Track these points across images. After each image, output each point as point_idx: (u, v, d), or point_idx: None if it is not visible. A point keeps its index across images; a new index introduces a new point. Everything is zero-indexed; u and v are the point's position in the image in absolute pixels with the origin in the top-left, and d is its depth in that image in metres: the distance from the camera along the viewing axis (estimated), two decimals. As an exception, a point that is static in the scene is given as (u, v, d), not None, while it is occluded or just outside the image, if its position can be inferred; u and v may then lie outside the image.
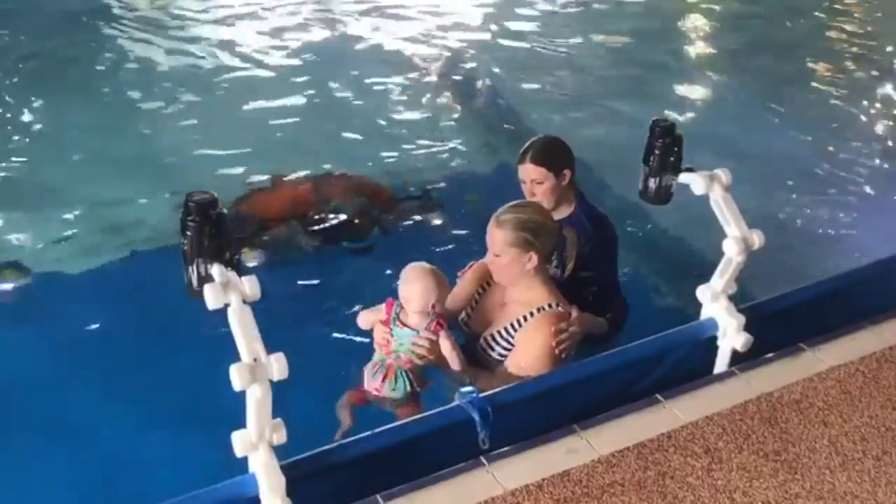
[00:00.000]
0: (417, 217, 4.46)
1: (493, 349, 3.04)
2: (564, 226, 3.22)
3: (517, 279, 3.03)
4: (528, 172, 3.42)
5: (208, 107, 6.01)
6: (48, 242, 4.41)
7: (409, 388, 2.93)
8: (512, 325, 3.02)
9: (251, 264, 3.90)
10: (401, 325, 2.95)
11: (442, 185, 5.13)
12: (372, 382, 2.95)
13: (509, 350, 3.00)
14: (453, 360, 2.93)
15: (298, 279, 4.00)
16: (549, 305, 3.00)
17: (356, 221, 4.23)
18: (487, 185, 5.00)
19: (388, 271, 3.72)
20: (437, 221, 4.44)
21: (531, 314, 2.99)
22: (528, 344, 2.95)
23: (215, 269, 2.14)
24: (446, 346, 2.93)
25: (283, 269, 4.02)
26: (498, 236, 2.98)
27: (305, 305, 3.77)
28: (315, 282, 4.02)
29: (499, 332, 3.05)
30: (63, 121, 5.74)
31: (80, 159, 5.24)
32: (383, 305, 3.01)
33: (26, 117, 5.80)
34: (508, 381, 2.85)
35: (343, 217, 4.25)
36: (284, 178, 4.72)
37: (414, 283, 2.92)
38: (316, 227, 4.19)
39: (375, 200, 4.41)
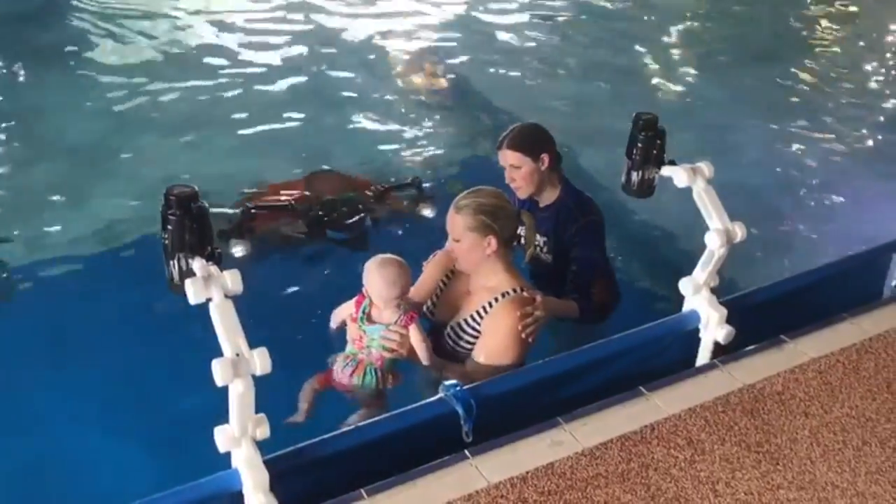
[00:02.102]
0: (408, 209, 4.44)
1: (461, 338, 3.05)
2: (523, 211, 3.24)
3: (479, 265, 3.03)
4: (506, 157, 3.46)
5: (186, 108, 5.93)
6: (30, 236, 4.37)
7: (376, 385, 2.92)
8: (478, 313, 3.01)
9: (237, 253, 3.86)
10: (369, 321, 2.93)
11: (426, 175, 5.13)
12: (341, 374, 2.94)
13: (477, 337, 3.01)
14: (422, 354, 2.92)
15: (285, 269, 3.97)
16: (514, 290, 3.00)
17: (346, 213, 4.19)
18: (468, 176, 5.00)
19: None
20: (428, 213, 4.39)
21: (496, 300, 2.99)
22: (494, 329, 2.96)
23: (196, 264, 2.12)
24: (416, 339, 2.91)
25: (270, 259, 3.98)
26: (457, 221, 2.98)
27: (290, 294, 3.75)
28: (301, 271, 4.00)
29: (465, 320, 3.05)
30: (43, 116, 5.66)
31: (62, 156, 5.17)
32: (353, 302, 2.98)
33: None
34: (478, 369, 2.88)
35: (333, 209, 4.21)
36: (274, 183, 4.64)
37: (373, 275, 2.89)
38: (305, 218, 4.16)
39: (365, 194, 4.37)
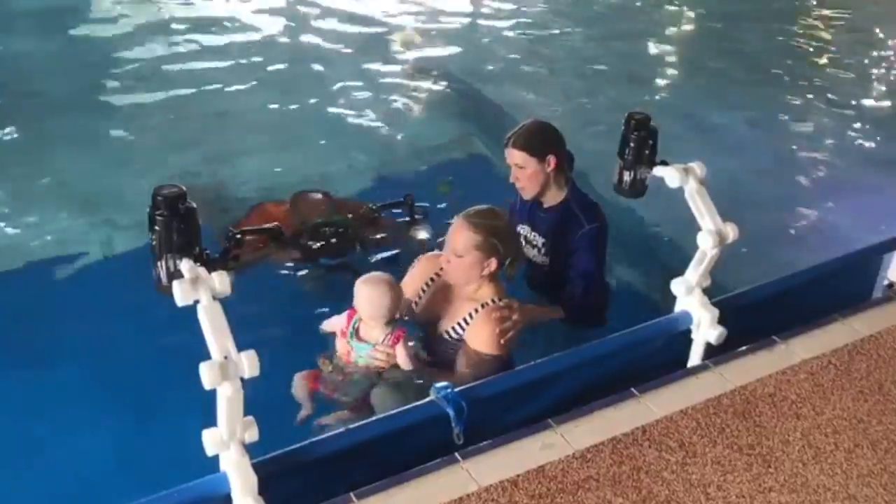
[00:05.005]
0: (401, 230, 4.20)
1: (445, 348, 3.12)
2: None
3: (472, 281, 3.08)
4: (512, 157, 3.43)
5: (172, 112, 5.82)
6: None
7: (359, 395, 2.97)
8: (459, 325, 3.09)
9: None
10: (358, 339, 2.99)
11: (415, 175, 5.09)
12: (328, 382, 2.98)
13: (460, 346, 3.08)
14: (407, 367, 2.98)
15: (273, 295, 3.81)
16: (492, 300, 3.08)
17: (335, 239, 3.96)
18: (461, 175, 4.98)
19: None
20: (422, 235, 4.19)
21: (475, 311, 3.07)
22: (474, 338, 3.03)
23: (184, 265, 2.10)
24: (402, 358, 2.97)
25: (257, 285, 3.76)
26: (468, 238, 3.01)
27: (276, 320, 3.61)
28: (288, 296, 3.85)
29: (447, 331, 3.12)
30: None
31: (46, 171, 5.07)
32: (344, 316, 3.03)
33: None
34: (462, 378, 2.88)
35: (321, 234, 3.96)
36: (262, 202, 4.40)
37: (362, 293, 2.95)
38: (294, 244, 3.92)
39: (356, 217, 4.12)
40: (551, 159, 3.38)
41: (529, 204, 3.54)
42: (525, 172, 3.40)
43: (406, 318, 3.18)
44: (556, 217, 3.47)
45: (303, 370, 3.04)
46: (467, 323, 3.07)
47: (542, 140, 3.42)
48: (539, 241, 3.53)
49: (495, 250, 3.01)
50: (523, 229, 3.60)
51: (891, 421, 2.58)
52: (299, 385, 3.00)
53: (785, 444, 2.46)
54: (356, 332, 2.99)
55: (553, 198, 3.48)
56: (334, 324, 3.06)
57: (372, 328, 2.97)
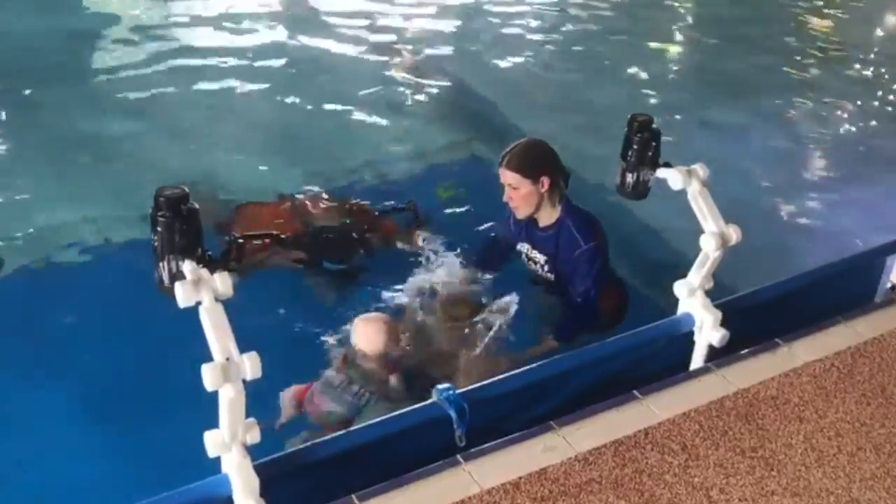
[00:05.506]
0: (403, 236, 4.16)
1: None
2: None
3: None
4: (505, 177, 3.42)
5: (165, 124, 5.70)
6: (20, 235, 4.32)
7: (340, 421, 3.00)
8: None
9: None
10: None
11: (416, 178, 5.09)
12: (318, 398, 3.01)
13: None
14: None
15: (275, 297, 3.78)
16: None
17: (339, 243, 3.97)
18: (461, 179, 4.97)
19: (368, 290, 3.69)
20: (424, 240, 4.12)
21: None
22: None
23: (186, 266, 2.09)
24: (395, 390, 3.05)
25: (260, 287, 3.72)
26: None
27: (278, 322, 3.62)
28: (291, 299, 3.82)
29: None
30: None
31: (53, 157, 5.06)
32: (343, 349, 3.13)
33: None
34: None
35: (324, 238, 3.98)
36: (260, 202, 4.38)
37: (357, 331, 3.04)
38: (297, 247, 3.89)
39: (359, 221, 4.12)
40: (545, 180, 3.37)
41: (525, 222, 3.54)
42: (518, 193, 3.39)
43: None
44: (554, 235, 3.47)
45: (302, 372, 3.08)
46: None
47: (535, 161, 3.41)
48: (541, 258, 3.53)
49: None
50: (523, 247, 3.61)
51: (894, 424, 2.58)
52: (286, 401, 3.04)
53: (788, 448, 2.46)
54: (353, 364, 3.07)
55: (548, 217, 3.48)
56: (333, 354, 3.17)
57: (367, 361, 3.05)
